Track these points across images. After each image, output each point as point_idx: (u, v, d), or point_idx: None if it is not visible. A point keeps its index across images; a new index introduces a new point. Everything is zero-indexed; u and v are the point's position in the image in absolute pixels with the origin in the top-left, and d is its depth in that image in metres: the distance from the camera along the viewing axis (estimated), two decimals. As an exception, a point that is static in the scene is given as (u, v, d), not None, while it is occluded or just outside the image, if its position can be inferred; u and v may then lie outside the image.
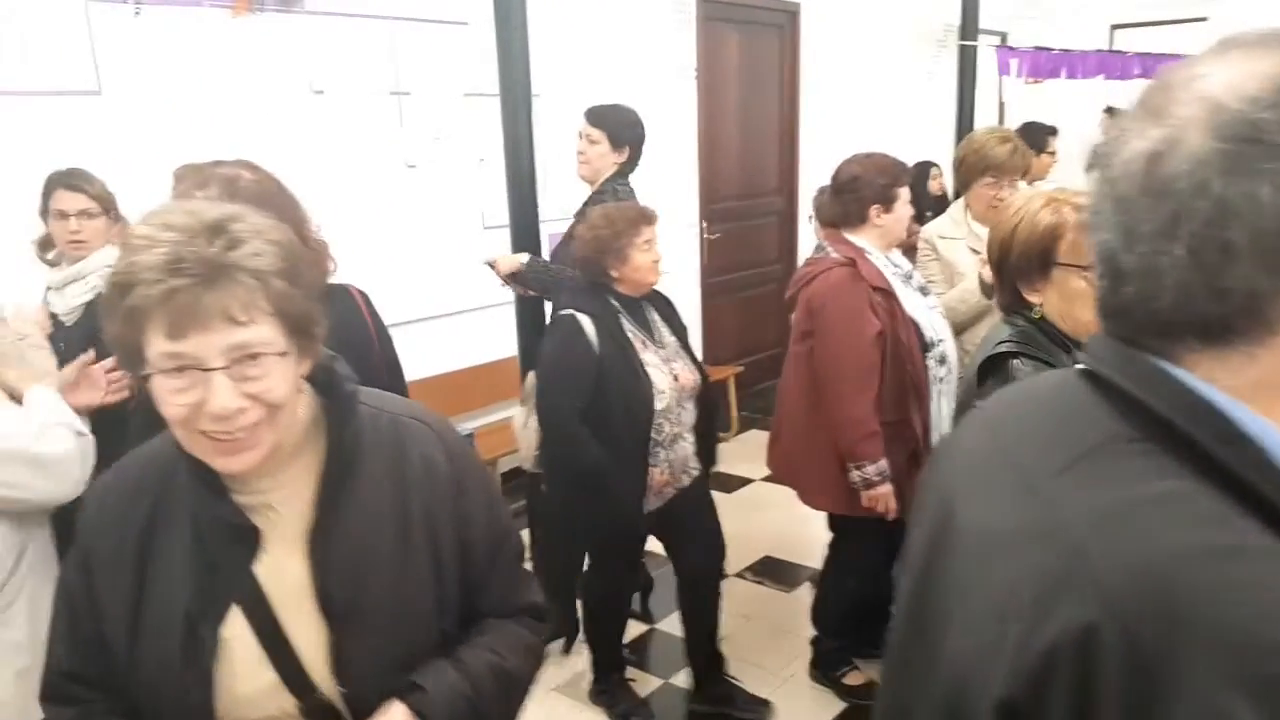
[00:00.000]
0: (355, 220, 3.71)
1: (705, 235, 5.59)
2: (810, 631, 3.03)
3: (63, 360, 2.25)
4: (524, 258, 3.03)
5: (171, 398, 0.98)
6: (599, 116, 3.17)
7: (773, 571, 3.72)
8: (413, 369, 2.46)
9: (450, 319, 4.18)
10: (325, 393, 1.15)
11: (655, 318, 2.64)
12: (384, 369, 2.00)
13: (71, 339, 2.48)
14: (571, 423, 2.47)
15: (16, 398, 1.82)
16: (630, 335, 2.53)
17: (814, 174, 5.52)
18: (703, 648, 2.85)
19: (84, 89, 3.09)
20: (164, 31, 3.24)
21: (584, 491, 2.53)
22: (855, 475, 2.52)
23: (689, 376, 2.60)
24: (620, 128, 3.16)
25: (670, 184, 5.19)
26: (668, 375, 2.54)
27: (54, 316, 2.60)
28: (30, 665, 1.68)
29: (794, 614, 3.33)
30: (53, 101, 3.03)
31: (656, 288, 2.65)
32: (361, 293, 2.04)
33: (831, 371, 2.54)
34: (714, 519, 2.78)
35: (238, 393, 0.98)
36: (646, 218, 2.53)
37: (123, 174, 2.73)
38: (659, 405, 2.49)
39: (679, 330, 2.69)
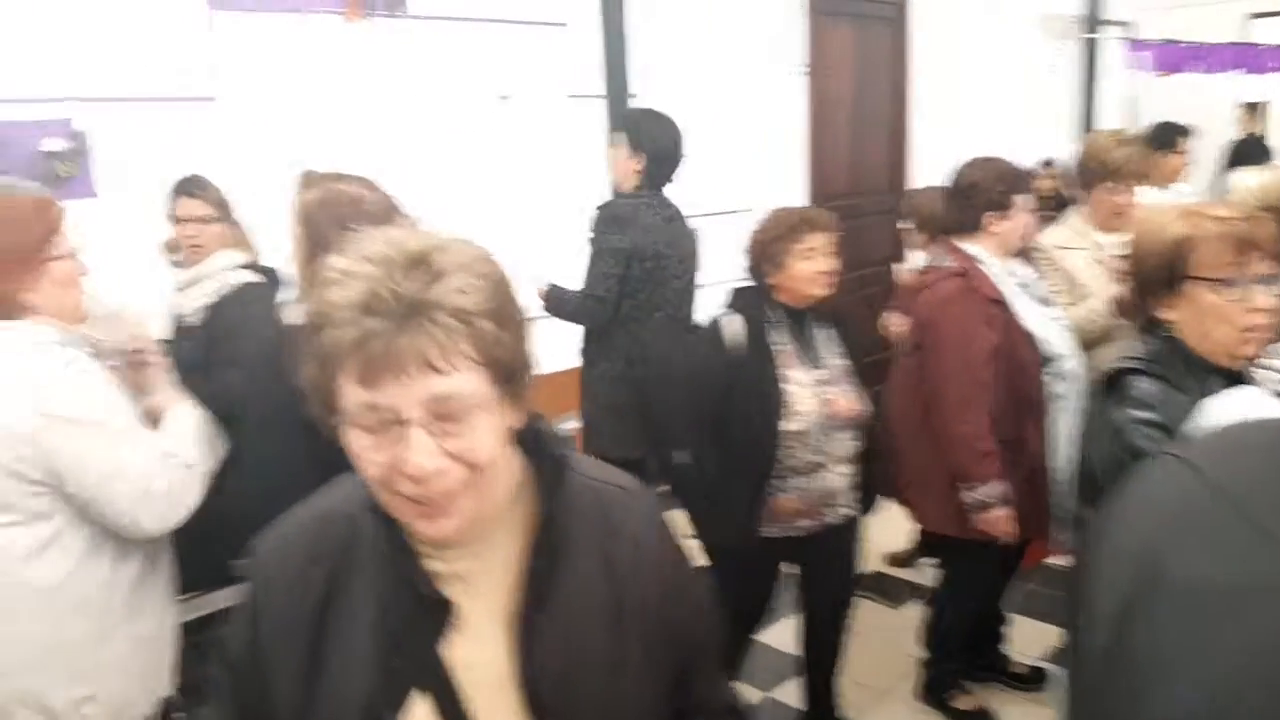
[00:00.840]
0: (457, 225, 3.75)
1: (811, 235, 5.47)
2: (918, 650, 2.93)
3: (186, 359, 2.35)
4: (545, 284, 3.00)
5: (366, 455, 0.86)
6: (624, 119, 3.05)
7: (880, 587, 3.61)
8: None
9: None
10: (531, 454, 1.01)
11: (821, 334, 2.44)
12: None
13: (193, 340, 2.58)
14: (682, 425, 2.40)
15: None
16: (777, 346, 2.36)
17: (925, 172, 5.37)
18: (816, 688, 2.71)
19: (202, 95, 3.20)
20: (278, 38, 3.33)
21: (694, 499, 2.45)
22: (968, 497, 2.42)
23: (846, 405, 2.36)
24: (640, 134, 2.95)
25: (778, 182, 5.09)
26: (815, 398, 2.32)
27: (179, 317, 2.70)
28: (153, 661, 1.75)
29: (901, 631, 3.23)
30: (172, 108, 3.14)
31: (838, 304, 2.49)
32: None
33: (943, 387, 2.44)
34: (852, 567, 2.59)
35: (438, 451, 0.85)
36: (811, 223, 2.37)
37: (239, 178, 2.82)
38: (791, 426, 2.30)
39: (852, 353, 2.45)
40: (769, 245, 2.34)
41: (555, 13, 4.03)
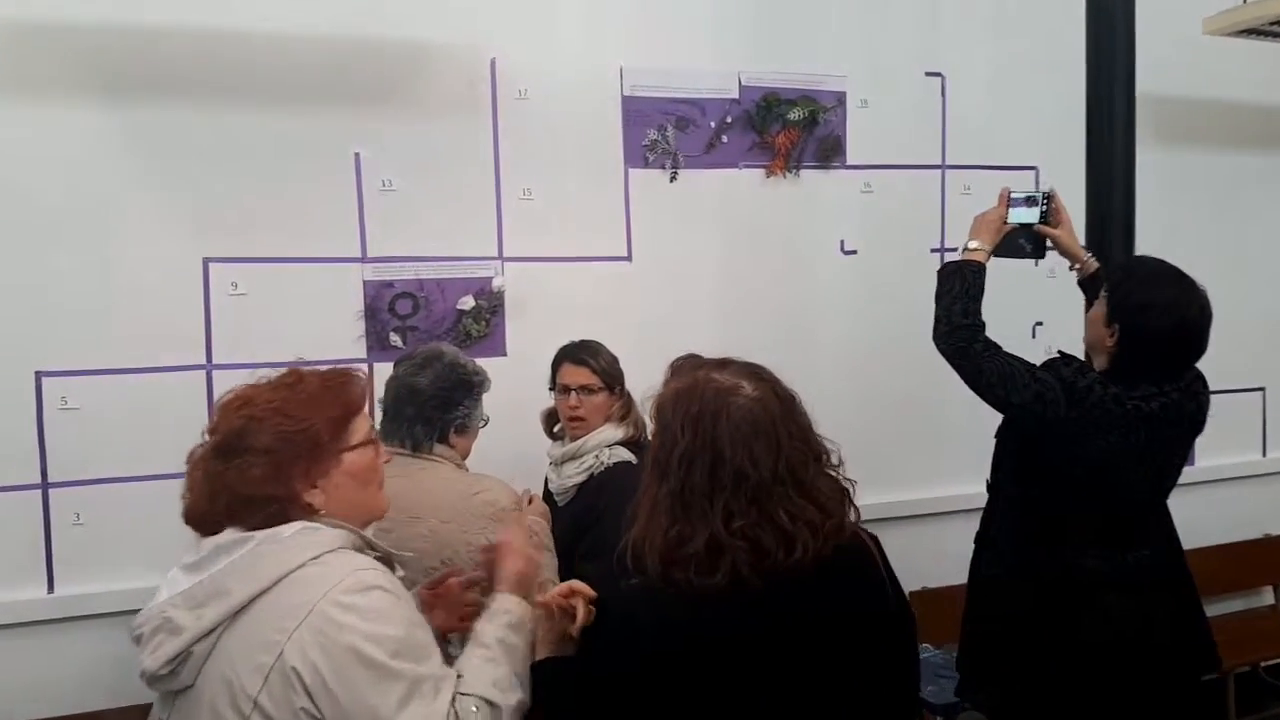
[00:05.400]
0: (879, 389, 3.31)
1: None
2: None
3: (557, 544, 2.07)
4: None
5: None
6: (1112, 268, 2.26)
7: None
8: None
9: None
10: None
11: None
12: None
13: (562, 522, 2.30)
14: None
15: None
16: None
17: None
18: None
19: (617, 255, 3.09)
20: (693, 196, 3.15)
21: None
22: None
23: None
24: (1119, 296, 2.08)
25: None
26: None
27: (550, 495, 2.49)
28: None
29: None
30: (590, 269, 3.05)
31: None
32: (873, 538, 1.49)
33: None
34: None
35: None
36: None
37: (648, 340, 2.57)
38: None
39: None
40: None
41: (1019, 155, 3.50)
